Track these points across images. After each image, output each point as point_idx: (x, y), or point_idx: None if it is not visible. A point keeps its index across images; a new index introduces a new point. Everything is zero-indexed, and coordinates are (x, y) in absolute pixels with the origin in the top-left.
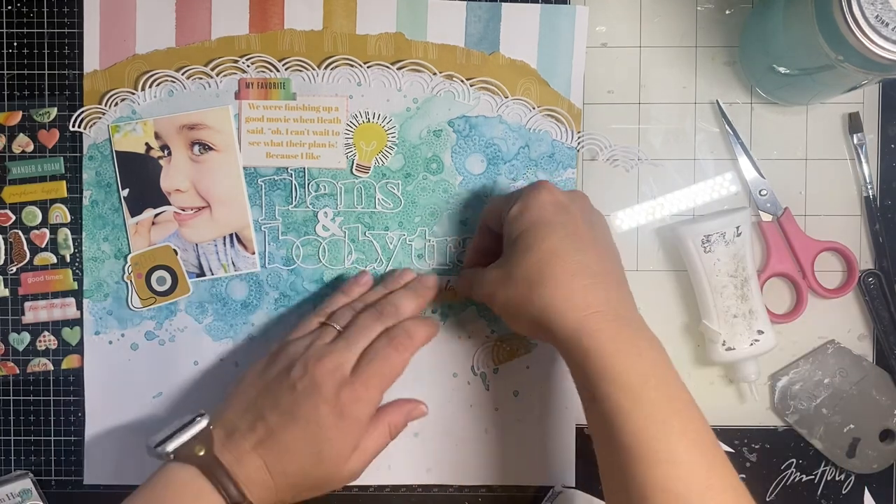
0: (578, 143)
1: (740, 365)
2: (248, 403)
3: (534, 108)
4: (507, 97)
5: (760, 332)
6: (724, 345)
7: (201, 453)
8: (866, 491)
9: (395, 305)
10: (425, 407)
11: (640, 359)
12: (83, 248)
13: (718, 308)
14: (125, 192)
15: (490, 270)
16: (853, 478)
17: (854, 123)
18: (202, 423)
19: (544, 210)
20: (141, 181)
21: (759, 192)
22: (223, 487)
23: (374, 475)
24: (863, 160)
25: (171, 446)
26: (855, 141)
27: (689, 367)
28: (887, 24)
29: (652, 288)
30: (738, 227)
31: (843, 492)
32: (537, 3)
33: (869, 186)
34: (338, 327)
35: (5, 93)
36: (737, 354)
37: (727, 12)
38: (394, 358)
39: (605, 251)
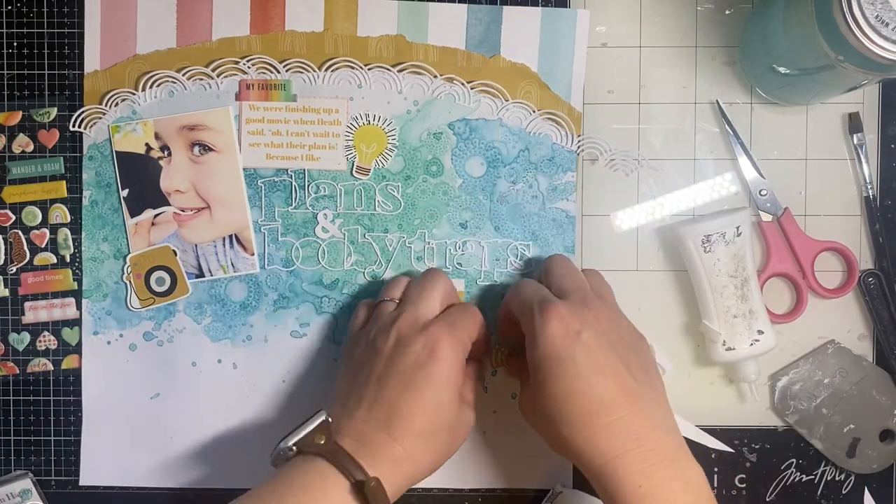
0: (578, 147)
1: (740, 365)
2: (352, 390)
3: (534, 112)
4: (507, 100)
5: (760, 332)
6: (724, 345)
7: (321, 441)
8: (866, 491)
9: (443, 279)
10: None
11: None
12: (82, 249)
13: (718, 308)
14: (125, 193)
15: (522, 390)
16: (853, 478)
17: (854, 123)
18: (321, 417)
19: (554, 346)
20: (141, 181)
21: (759, 192)
22: (346, 470)
23: None
24: (863, 160)
25: (291, 440)
26: (855, 141)
27: (689, 367)
28: (887, 24)
29: (652, 288)
30: (738, 227)
31: (843, 492)
32: (538, 6)
33: (869, 186)
34: (396, 300)
35: (5, 93)
36: (737, 354)
37: (727, 12)
38: (472, 315)
39: (629, 373)
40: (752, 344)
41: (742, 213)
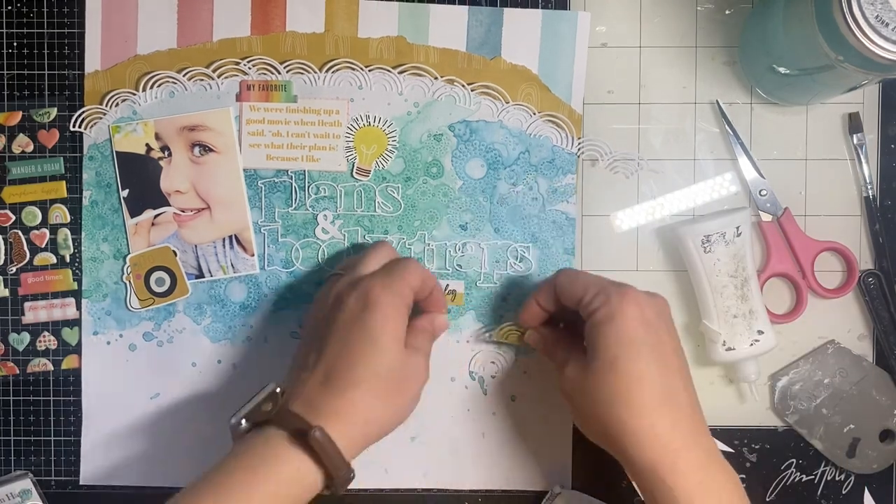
0: (579, 149)
1: (740, 365)
2: (298, 356)
3: (534, 114)
4: (507, 102)
5: (760, 332)
6: (724, 345)
7: (268, 408)
8: (866, 491)
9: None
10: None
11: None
12: (82, 249)
13: (718, 308)
14: (125, 193)
15: (570, 371)
16: (853, 478)
17: (854, 123)
18: (270, 388)
19: (632, 327)
20: (141, 182)
21: (759, 192)
22: (296, 431)
23: (372, 478)
24: (863, 160)
25: (240, 413)
26: (855, 141)
27: (690, 367)
28: (887, 24)
29: (652, 288)
30: (738, 228)
31: (843, 492)
32: (539, 8)
33: (869, 186)
34: (342, 272)
35: (5, 93)
36: (737, 354)
37: (727, 12)
38: (411, 264)
39: (688, 377)
40: (752, 344)
41: (742, 213)
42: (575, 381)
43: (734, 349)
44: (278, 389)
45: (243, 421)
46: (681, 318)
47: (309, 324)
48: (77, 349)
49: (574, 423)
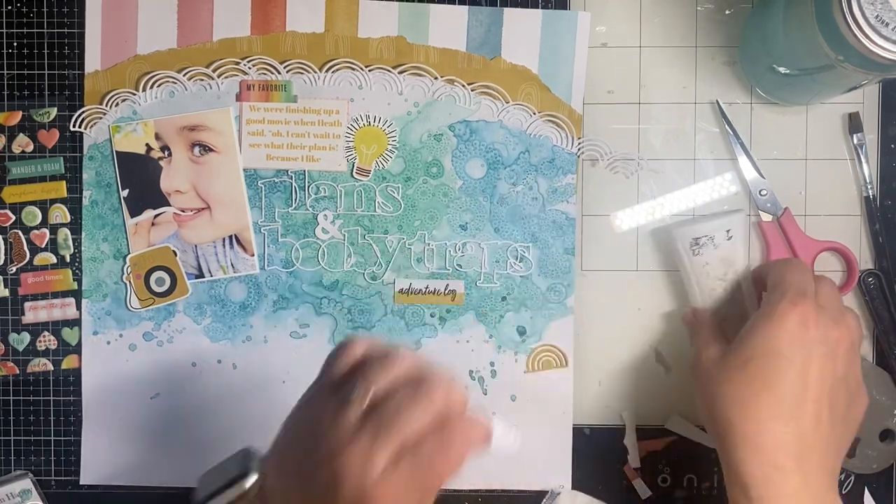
0: (579, 149)
1: None
2: (289, 470)
3: (534, 114)
4: (507, 102)
5: None
6: None
7: None
8: (866, 491)
9: (446, 387)
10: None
11: None
12: (82, 249)
13: None
14: (125, 193)
15: (710, 350)
16: (853, 478)
17: (854, 123)
18: (247, 483)
19: (780, 339)
20: (141, 182)
21: (759, 192)
22: None
23: None
24: (863, 160)
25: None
26: (855, 141)
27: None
28: (887, 24)
29: (652, 288)
30: (728, 231)
31: (843, 492)
32: (539, 8)
33: (869, 186)
34: (363, 405)
35: (5, 93)
36: None
37: (727, 12)
38: (443, 462)
39: (829, 412)
40: None
41: (735, 216)
42: (709, 365)
43: None
44: (252, 488)
45: None
46: (681, 317)
47: (305, 424)
48: (77, 349)
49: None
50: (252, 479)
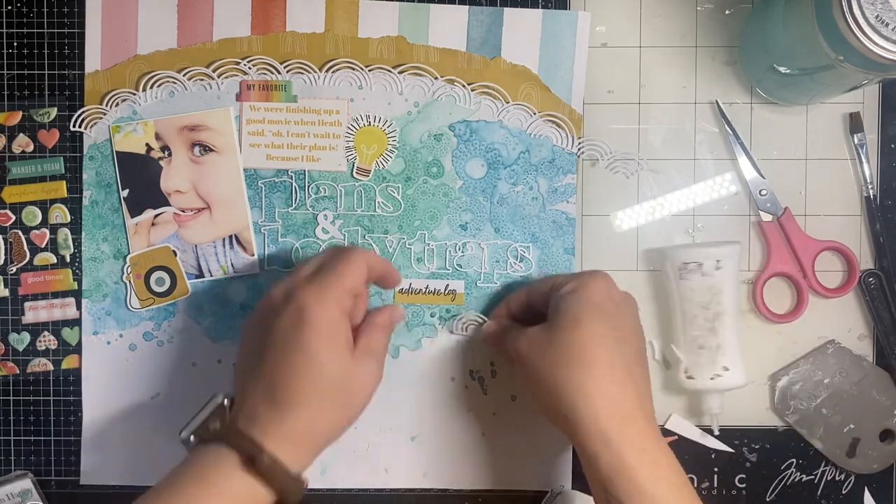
0: (579, 149)
1: (703, 396)
2: (241, 365)
3: (534, 114)
4: (507, 102)
5: (726, 368)
6: (685, 372)
7: (216, 425)
8: (866, 491)
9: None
10: (401, 309)
11: (658, 470)
12: (82, 249)
13: (686, 335)
14: (125, 193)
15: (531, 330)
16: (853, 478)
17: (855, 123)
18: (217, 400)
19: (600, 296)
20: (141, 182)
21: (759, 192)
22: (242, 449)
23: (372, 478)
24: (863, 160)
25: (187, 431)
26: (855, 141)
27: None
28: (887, 24)
29: (652, 288)
30: (718, 261)
31: (843, 492)
32: (539, 8)
33: (869, 186)
34: (307, 269)
35: (5, 93)
36: (696, 384)
37: (727, 12)
38: (348, 257)
39: (646, 363)
40: (713, 378)
41: (728, 247)
42: (536, 339)
43: (694, 379)
44: (226, 401)
45: (191, 437)
46: None
47: (253, 323)
48: (77, 349)
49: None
50: (220, 397)
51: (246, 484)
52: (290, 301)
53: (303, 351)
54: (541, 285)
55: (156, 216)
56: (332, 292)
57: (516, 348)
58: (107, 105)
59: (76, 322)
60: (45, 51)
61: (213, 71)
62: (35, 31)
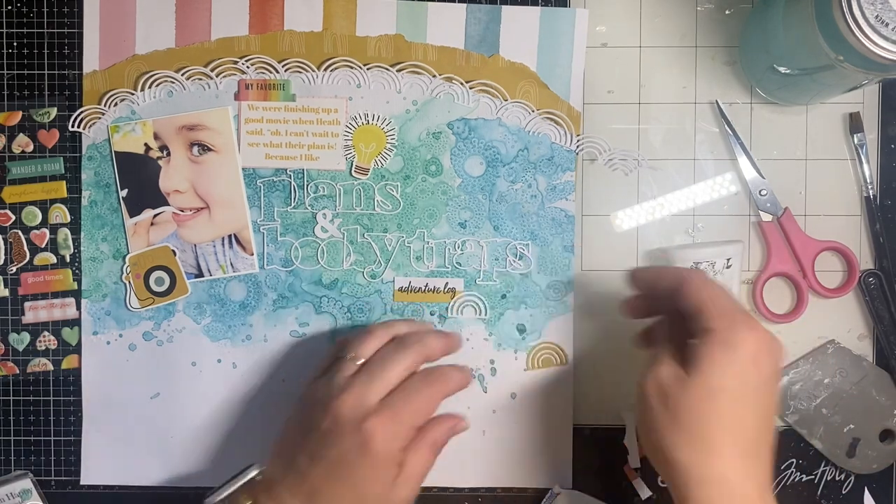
0: (578, 147)
1: None
2: (283, 453)
3: (533, 111)
4: (506, 100)
5: None
6: None
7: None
8: (866, 491)
9: (423, 341)
10: (466, 421)
11: None
12: (82, 249)
13: None
14: (124, 193)
15: (663, 372)
16: (853, 478)
17: (855, 123)
18: (251, 474)
19: (747, 361)
20: (140, 182)
21: (759, 192)
22: None
23: None
24: (863, 160)
25: (217, 497)
26: (855, 141)
27: None
28: (887, 24)
29: None
30: (728, 259)
31: (843, 492)
32: (537, 5)
33: (869, 186)
34: (358, 361)
35: (5, 93)
36: None
37: (727, 12)
38: (426, 394)
39: (773, 424)
40: None
41: (735, 245)
42: (667, 386)
43: None
44: (258, 477)
45: None
46: None
47: (301, 410)
48: (77, 349)
49: (637, 431)
50: (255, 469)
51: None
52: (358, 429)
53: (354, 481)
54: (700, 295)
55: (155, 216)
56: (403, 433)
57: (641, 385)
58: (105, 105)
59: (76, 322)
60: (45, 51)
61: (212, 70)
62: (35, 31)
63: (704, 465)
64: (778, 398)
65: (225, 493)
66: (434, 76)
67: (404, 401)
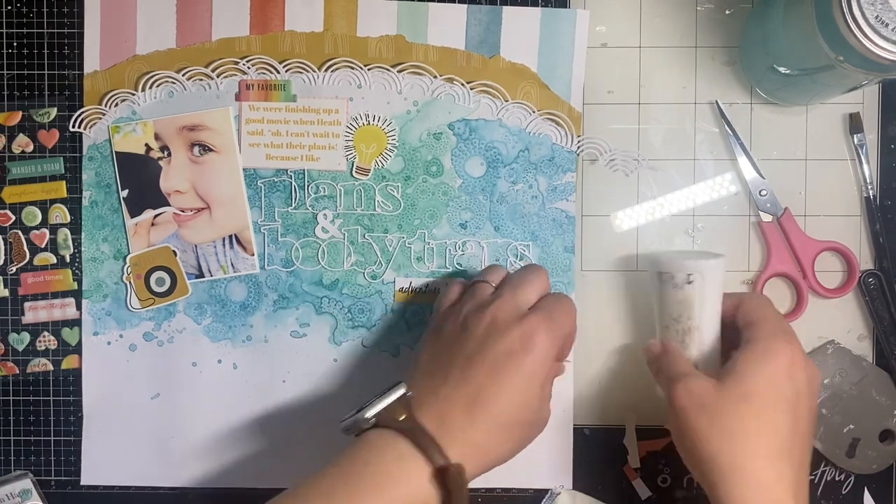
0: (578, 147)
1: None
2: (436, 367)
3: (534, 112)
4: (507, 100)
5: None
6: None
7: (402, 418)
8: (866, 491)
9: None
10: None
11: None
12: (82, 249)
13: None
14: (125, 193)
15: (694, 384)
16: (853, 478)
17: (855, 123)
18: (401, 390)
19: (781, 375)
20: (140, 182)
21: (759, 192)
22: (427, 452)
23: None
24: (863, 160)
25: (371, 411)
26: (855, 141)
27: None
28: (887, 25)
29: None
30: (689, 275)
31: (843, 492)
32: (538, 6)
33: (869, 186)
34: (493, 284)
35: (5, 93)
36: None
37: (727, 12)
38: (566, 310)
39: (811, 442)
40: None
41: (704, 262)
42: (701, 395)
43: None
44: (409, 393)
45: (373, 417)
46: None
47: (446, 330)
48: (77, 349)
49: (673, 441)
50: (402, 388)
51: (425, 490)
52: (520, 324)
53: (523, 379)
54: (756, 312)
55: (155, 216)
56: (560, 334)
57: (673, 396)
58: (106, 105)
59: (76, 322)
60: (45, 51)
61: (213, 71)
62: (35, 31)
63: (740, 465)
64: (814, 415)
65: (377, 408)
66: (435, 77)
67: (555, 307)
